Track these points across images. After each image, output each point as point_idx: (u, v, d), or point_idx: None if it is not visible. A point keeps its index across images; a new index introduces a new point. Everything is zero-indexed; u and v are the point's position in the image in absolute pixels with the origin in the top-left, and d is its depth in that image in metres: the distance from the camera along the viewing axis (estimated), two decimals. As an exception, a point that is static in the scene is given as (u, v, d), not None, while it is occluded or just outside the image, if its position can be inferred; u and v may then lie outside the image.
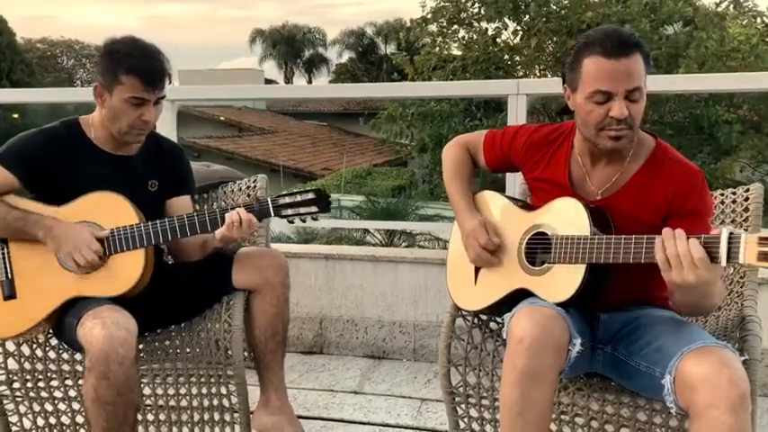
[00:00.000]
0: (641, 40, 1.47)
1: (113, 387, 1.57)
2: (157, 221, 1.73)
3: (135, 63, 1.71)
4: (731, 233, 1.23)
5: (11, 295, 1.75)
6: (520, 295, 1.57)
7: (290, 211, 1.73)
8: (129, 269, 1.73)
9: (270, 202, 1.73)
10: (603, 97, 1.44)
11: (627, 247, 1.38)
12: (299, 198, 1.73)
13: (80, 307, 1.68)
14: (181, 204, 1.94)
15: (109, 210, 1.75)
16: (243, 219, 1.70)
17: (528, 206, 1.73)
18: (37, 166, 1.77)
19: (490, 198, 1.78)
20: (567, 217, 1.53)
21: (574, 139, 1.64)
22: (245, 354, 1.91)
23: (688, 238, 1.27)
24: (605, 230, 1.47)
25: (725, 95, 8.84)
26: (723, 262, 1.24)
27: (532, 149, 1.71)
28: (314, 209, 1.73)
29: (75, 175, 1.78)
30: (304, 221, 1.76)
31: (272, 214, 1.73)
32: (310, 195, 1.74)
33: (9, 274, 1.76)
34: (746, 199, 1.84)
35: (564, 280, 1.48)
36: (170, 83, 1.80)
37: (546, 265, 1.54)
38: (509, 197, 1.78)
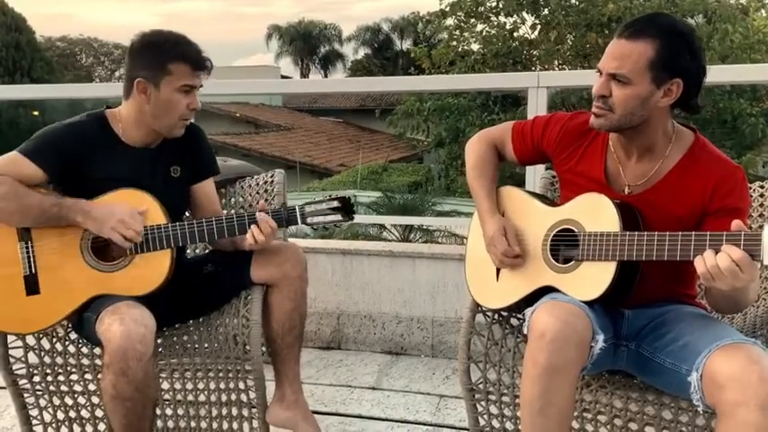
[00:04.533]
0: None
1: (132, 383, 1.57)
2: (185, 224, 1.73)
3: (184, 50, 1.73)
4: None
5: (34, 291, 1.75)
6: (544, 292, 1.54)
7: (316, 219, 1.76)
8: (156, 269, 1.74)
9: (297, 210, 1.76)
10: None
11: (660, 244, 1.34)
12: (324, 206, 1.76)
13: (99, 303, 1.68)
14: (204, 191, 1.96)
15: (137, 207, 1.73)
16: (266, 236, 1.75)
17: (550, 202, 1.70)
18: (65, 160, 1.75)
19: (512, 194, 1.74)
20: (594, 213, 1.49)
21: None
22: (262, 348, 1.90)
23: (726, 241, 1.23)
24: (633, 227, 1.43)
25: (748, 88, 8.69)
26: (766, 260, 1.19)
27: (567, 140, 1.65)
28: (338, 217, 1.76)
29: (101, 170, 1.77)
30: (327, 229, 1.81)
31: (300, 222, 1.76)
32: (335, 204, 1.76)
33: (33, 269, 1.75)
34: (775, 193, 1.80)
35: (593, 277, 1.44)
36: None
37: (573, 262, 1.50)
38: (531, 192, 1.75)
